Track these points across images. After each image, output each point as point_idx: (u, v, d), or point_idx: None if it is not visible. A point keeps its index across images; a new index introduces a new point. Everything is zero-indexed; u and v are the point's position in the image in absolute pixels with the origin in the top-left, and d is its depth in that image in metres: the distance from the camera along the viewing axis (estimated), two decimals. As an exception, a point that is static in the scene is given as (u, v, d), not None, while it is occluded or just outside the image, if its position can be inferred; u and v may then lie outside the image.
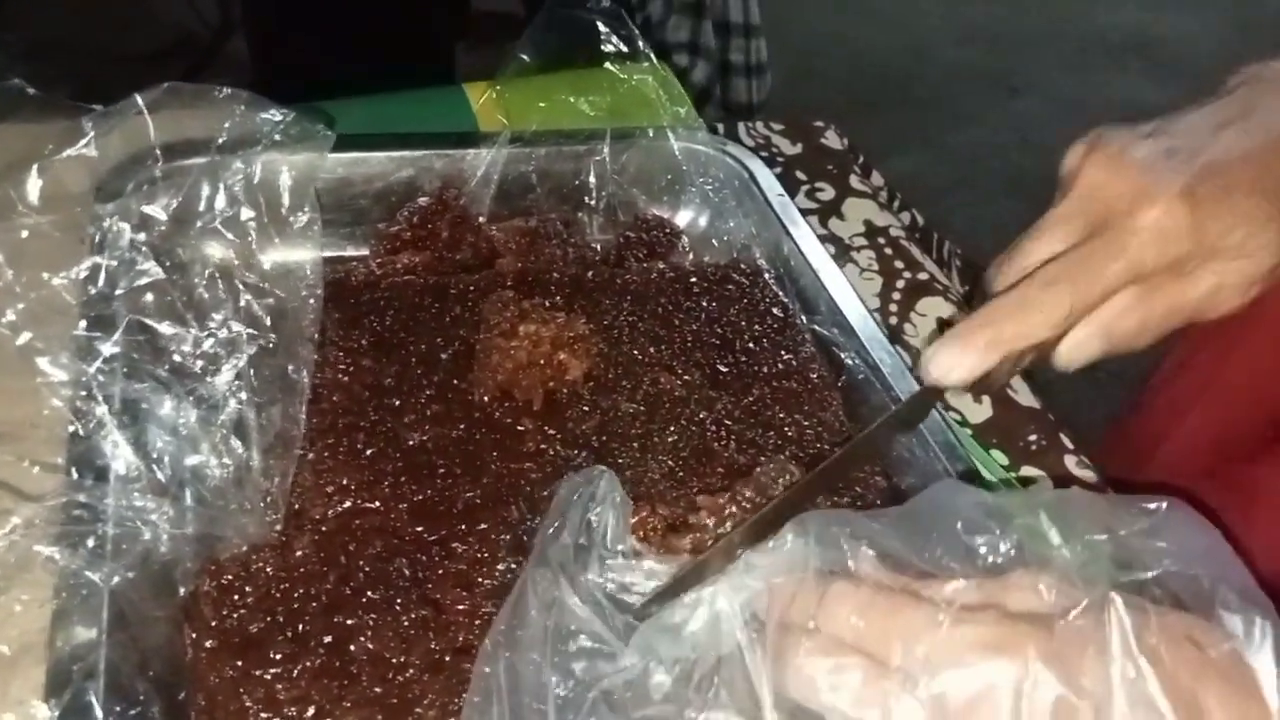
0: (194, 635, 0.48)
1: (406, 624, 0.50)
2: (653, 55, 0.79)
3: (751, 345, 0.69)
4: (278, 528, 0.52)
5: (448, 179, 0.75)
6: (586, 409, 0.62)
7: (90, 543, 0.46)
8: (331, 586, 0.51)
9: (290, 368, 0.56)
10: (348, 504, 0.55)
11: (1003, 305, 0.47)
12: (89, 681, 0.42)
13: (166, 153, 0.61)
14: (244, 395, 0.53)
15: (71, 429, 0.49)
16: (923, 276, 0.83)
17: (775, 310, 0.72)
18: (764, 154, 0.91)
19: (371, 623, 0.49)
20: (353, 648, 0.48)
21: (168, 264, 0.54)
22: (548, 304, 0.66)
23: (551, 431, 0.61)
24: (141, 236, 0.55)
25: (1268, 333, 0.66)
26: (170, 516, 0.48)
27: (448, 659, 0.49)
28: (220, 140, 0.59)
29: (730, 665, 0.40)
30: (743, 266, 0.75)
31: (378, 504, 0.55)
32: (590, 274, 0.72)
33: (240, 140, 0.59)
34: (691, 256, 0.79)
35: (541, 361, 0.62)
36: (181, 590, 0.49)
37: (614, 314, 0.69)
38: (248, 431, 0.52)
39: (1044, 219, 0.49)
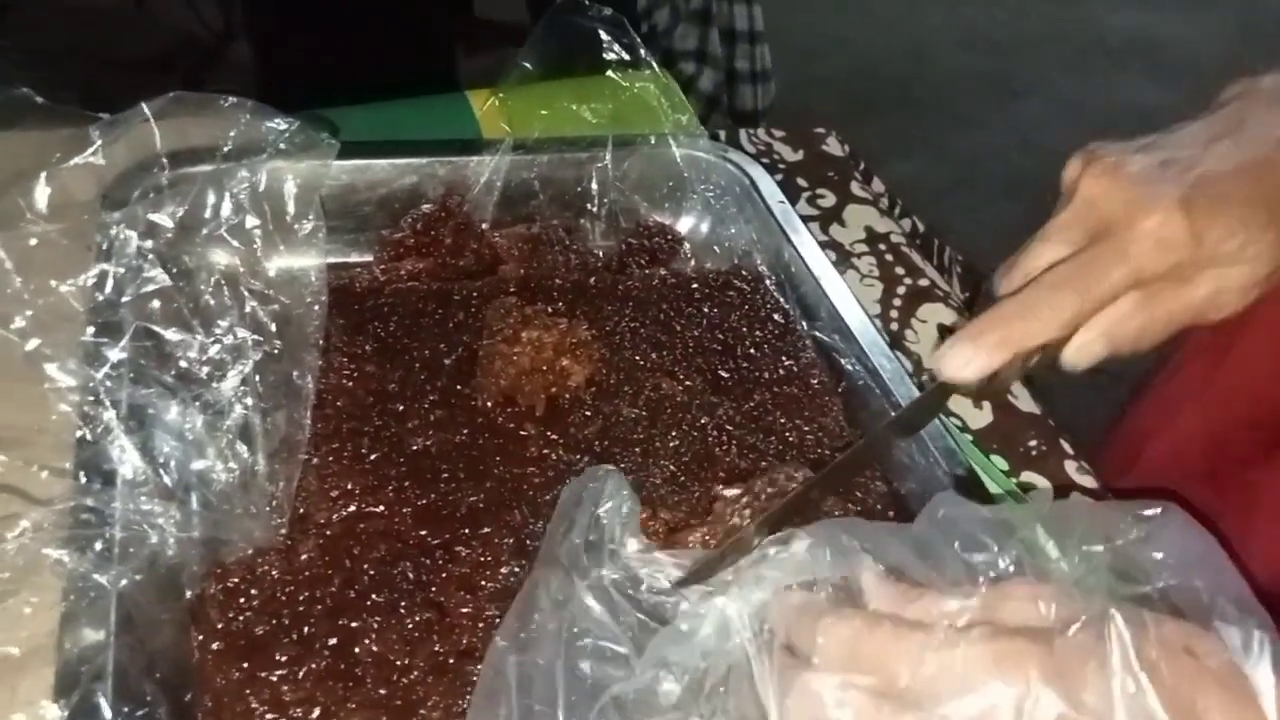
0: (200, 637, 0.48)
1: (410, 627, 0.50)
2: (654, 63, 0.80)
3: (752, 351, 0.69)
4: (283, 532, 0.53)
5: (451, 186, 0.76)
6: (588, 414, 0.63)
7: (98, 546, 0.46)
8: (336, 590, 0.51)
9: (295, 373, 0.56)
10: (352, 508, 0.55)
11: (1011, 306, 0.48)
12: (97, 683, 0.42)
13: (172, 161, 0.62)
14: (249, 401, 0.53)
15: (79, 434, 0.50)
16: (923, 283, 0.84)
17: (776, 316, 0.72)
18: (765, 161, 0.91)
19: (376, 625, 0.50)
20: (357, 650, 0.49)
21: (174, 271, 0.55)
22: (550, 310, 0.67)
23: (554, 436, 0.61)
24: (148, 244, 0.55)
25: (1264, 336, 0.66)
26: (177, 520, 0.48)
27: (451, 661, 0.49)
28: (226, 148, 0.59)
29: (738, 676, 0.40)
30: (744, 273, 0.75)
31: (382, 508, 0.55)
32: (592, 280, 0.72)
33: (245, 148, 0.59)
34: (693, 263, 0.79)
35: (544, 367, 0.63)
36: (188, 593, 0.49)
37: (616, 320, 0.69)
38: (253, 436, 0.53)
39: (1046, 227, 0.51)
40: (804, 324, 0.72)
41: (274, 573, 0.51)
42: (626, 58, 0.79)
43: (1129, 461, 0.77)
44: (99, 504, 0.47)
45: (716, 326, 0.71)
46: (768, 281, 0.75)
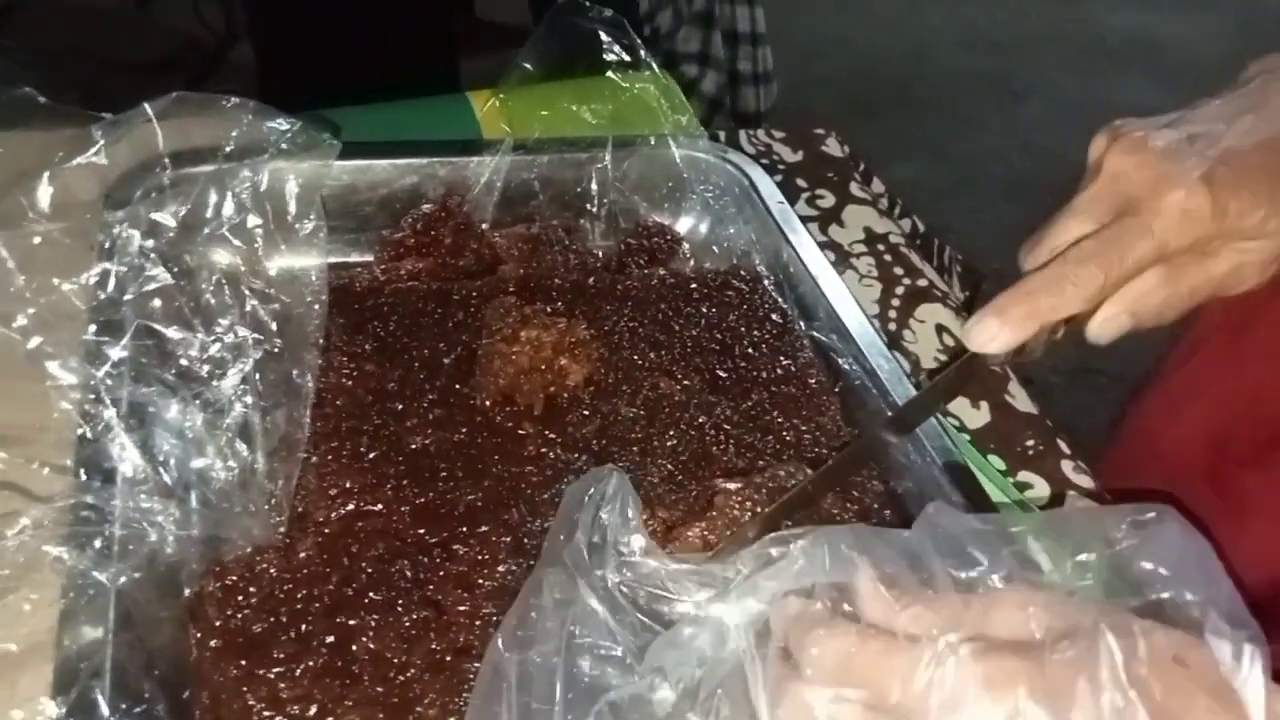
0: (199, 635, 0.49)
1: (408, 624, 0.50)
2: (654, 64, 0.80)
3: (750, 351, 0.70)
4: (282, 530, 0.53)
5: (451, 186, 0.76)
6: (587, 413, 0.63)
7: (97, 544, 0.46)
8: (334, 588, 0.51)
9: (295, 372, 0.57)
10: (350, 506, 0.55)
11: (1038, 280, 0.49)
12: (95, 680, 0.43)
13: (175, 161, 0.62)
14: (249, 399, 0.53)
15: (80, 432, 0.50)
16: (922, 283, 0.84)
17: (774, 316, 0.72)
18: (765, 161, 0.92)
19: (373, 623, 0.50)
20: (355, 648, 0.49)
21: (175, 270, 0.55)
22: (549, 310, 0.67)
23: (552, 435, 0.61)
24: (150, 243, 0.56)
25: (1269, 334, 0.66)
26: (176, 518, 0.49)
27: (449, 659, 0.49)
28: (228, 148, 0.60)
29: (733, 685, 0.40)
30: (742, 273, 0.76)
31: (380, 507, 0.56)
32: (591, 280, 0.73)
33: (247, 148, 0.60)
34: (692, 263, 0.79)
35: (543, 366, 0.63)
36: (187, 591, 0.50)
37: (615, 319, 0.70)
38: (253, 435, 0.53)
39: (1072, 202, 0.52)
40: (802, 324, 0.72)
41: (272, 571, 0.51)
42: (626, 59, 0.80)
43: (1130, 461, 0.77)
44: (99, 501, 0.48)
45: (715, 326, 0.71)
46: (766, 281, 0.75)
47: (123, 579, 0.46)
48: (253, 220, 0.58)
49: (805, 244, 0.76)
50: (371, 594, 0.51)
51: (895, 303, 0.82)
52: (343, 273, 0.70)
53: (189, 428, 0.51)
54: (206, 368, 0.53)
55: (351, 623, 0.50)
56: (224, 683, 0.47)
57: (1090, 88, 2.99)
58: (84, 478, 0.49)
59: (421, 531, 0.55)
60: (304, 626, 0.50)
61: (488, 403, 0.62)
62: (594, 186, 0.79)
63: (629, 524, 0.47)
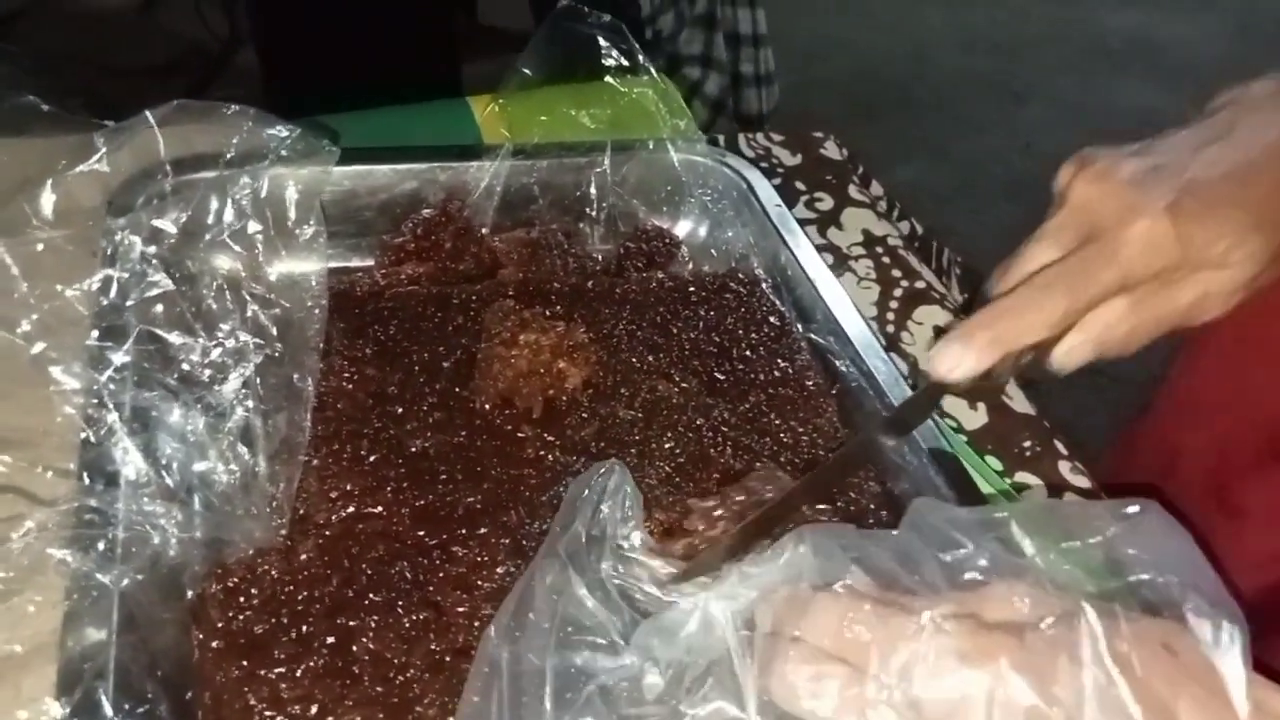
0: (201, 636, 0.49)
1: (408, 625, 0.51)
2: (652, 69, 0.80)
3: (748, 353, 0.70)
4: (283, 532, 0.53)
5: (451, 191, 0.76)
6: (585, 416, 0.64)
7: (101, 546, 0.47)
8: (335, 589, 0.52)
9: (296, 376, 0.57)
10: (351, 509, 0.56)
11: (1002, 306, 0.49)
12: (99, 681, 0.43)
13: (176, 167, 0.63)
14: (251, 403, 0.54)
15: (83, 436, 0.51)
16: (920, 285, 0.85)
17: (772, 319, 0.73)
18: (764, 165, 0.92)
19: (374, 624, 0.51)
20: (355, 648, 0.50)
21: (177, 276, 0.56)
22: (548, 313, 0.68)
23: (551, 438, 0.62)
24: (152, 249, 0.56)
25: (1269, 346, 0.67)
26: (179, 521, 0.49)
27: (448, 659, 0.50)
28: (228, 155, 0.60)
29: (720, 669, 0.41)
30: (740, 276, 0.76)
31: (380, 509, 0.56)
32: (590, 284, 0.73)
33: (248, 155, 0.60)
34: (690, 266, 0.80)
35: (541, 370, 0.63)
36: (189, 593, 0.50)
37: (613, 323, 0.70)
38: (254, 438, 0.54)
39: (1039, 230, 0.52)
40: (799, 326, 0.73)
41: (274, 572, 0.52)
42: (625, 64, 0.80)
43: (1130, 468, 0.78)
44: (102, 505, 0.48)
45: (713, 329, 0.71)
46: (764, 284, 0.76)
47: (126, 581, 0.47)
48: (253, 226, 0.59)
49: (803, 247, 0.76)
50: (372, 595, 0.52)
51: (893, 305, 0.83)
52: (343, 277, 0.71)
53: (191, 431, 0.52)
54: (208, 372, 0.54)
55: (352, 624, 0.51)
56: (226, 683, 0.48)
57: (1091, 89, 2.99)
58: (87, 481, 0.50)
59: (421, 533, 0.55)
60: (305, 627, 0.50)
61: (487, 406, 0.63)
62: (593, 191, 0.79)
63: (629, 519, 0.47)
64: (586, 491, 0.48)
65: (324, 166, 0.64)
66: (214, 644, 0.49)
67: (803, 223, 0.82)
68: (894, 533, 0.42)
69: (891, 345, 0.78)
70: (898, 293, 0.84)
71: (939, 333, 0.81)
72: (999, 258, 0.53)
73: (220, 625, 0.50)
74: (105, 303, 0.54)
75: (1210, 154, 0.50)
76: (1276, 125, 0.51)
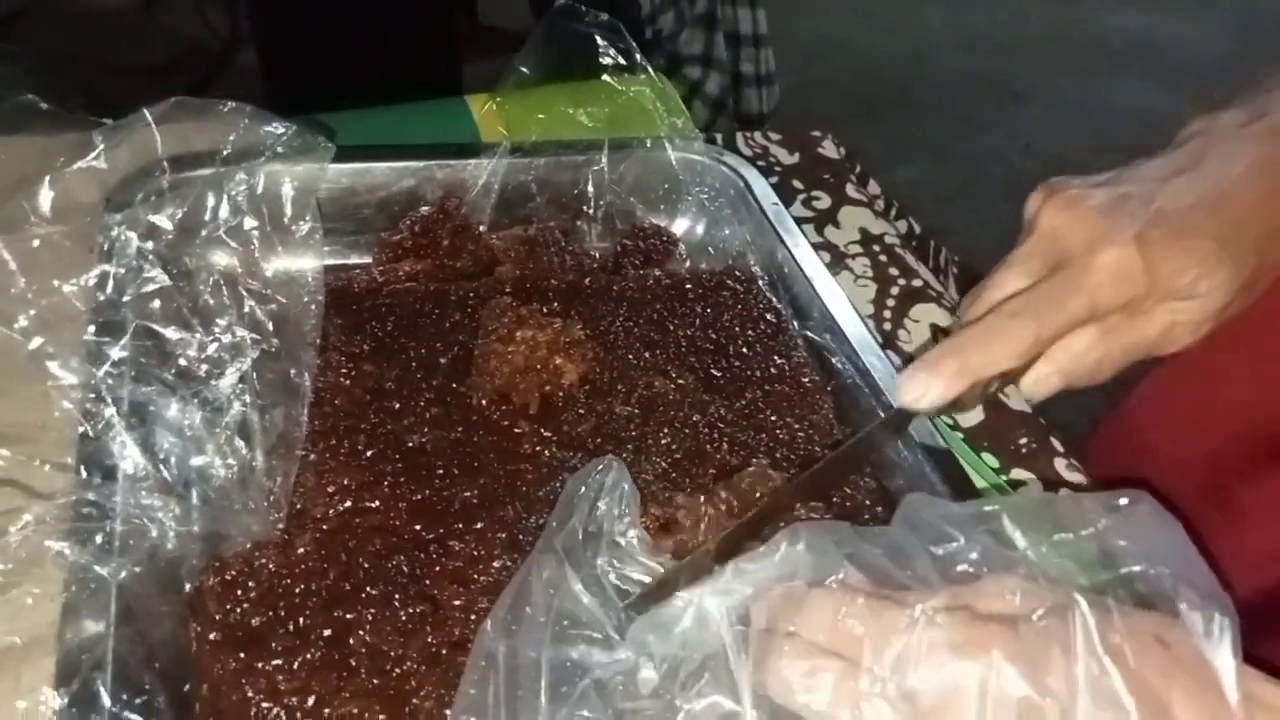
0: (199, 629, 0.50)
1: (404, 619, 0.51)
2: (650, 67, 0.81)
3: (745, 350, 0.70)
4: (280, 526, 0.54)
5: (449, 188, 0.77)
6: (582, 412, 0.64)
7: (99, 539, 0.47)
8: (332, 583, 0.52)
9: (293, 372, 0.57)
10: (348, 503, 0.56)
11: (970, 335, 0.49)
12: (97, 672, 0.44)
13: (173, 164, 0.63)
14: (248, 398, 0.54)
15: (81, 430, 0.51)
16: (917, 283, 0.85)
17: (768, 316, 0.73)
18: (761, 163, 0.92)
19: (370, 617, 0.51)
20: (352, 641, 0.50)
21: (174, 271, 0.56)
22: (545, 310, 0.68)
23: (547, 434, 0.62)
24: (149, 245, 0.57)
25: (1257, 346, 0.67)
26: (176, 515, 0.50)
27: (444, 652, 0.50)
28: (225, 152, 0.61)
29: (715, 664, 0.41)
30: (737, 274, 0.76)
31: (377, 503, 0.57)
32: (587, 281, 0.73)
33: (244, 152, 0.61)
34: (688, 264, 0.80)
35: (538, 366, 0.64)
36: (187, 586, 0.51)
37: (610, 320, 0.70)
38: (251, 433, 0.54)
39: (1008, 258, 0.52)
40: (796, 324, 0.73)
41: (271, 566, 0.52)
42: (623, 62, 0.81)
43: (1123, 470, 0.78)
44: (100, 498, 0.49)
45: (709, 326, 0.72)
46: (761, 282, 0.76)
47: (124, 574, 0.47)
48: (249, 222, 0.59)
49: (800, 245, 0.76)
50: (368, 589, 0.52)
51: (890, 303, 0.83)
52: (341, 274, 0.71)
53: (188, 426, 0.52)
54: (205, 367, 0.54)
55: (349, 617, 0.51)
56: (223, 675, 0.48)
57: (1091, 89, 2.99)
58: (85, 475, 0.50)
59: (418, 528, 0.56)
60: (302, 620, 0.50)
61: (484, 401, 0.63)
62: (590, 189, 0.79)
63: (625, 515, 0.47)
64: (584, 488, 0.48)
65: (319, 163, 0.64)
66: (211, 636, 0.49)
67: (800, 221, 0.82)
68: (887, 528, 0.43)
69: (888, 343, 0.78)
70: (894, 291, 0.84)
71: (936, 330, 0.81)
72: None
73: (218, 618, 0.50)
74: (103, 298, 0.54)
75: (1179, 184, 0.51)
76: (1244, 156, 0.51)
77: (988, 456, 0.71)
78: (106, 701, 0.43)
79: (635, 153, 0.80)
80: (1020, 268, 0.51)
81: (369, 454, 0.59)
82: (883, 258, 0.87)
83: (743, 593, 0.43)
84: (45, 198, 0.55)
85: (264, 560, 0.52)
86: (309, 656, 0.49)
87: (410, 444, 0.60)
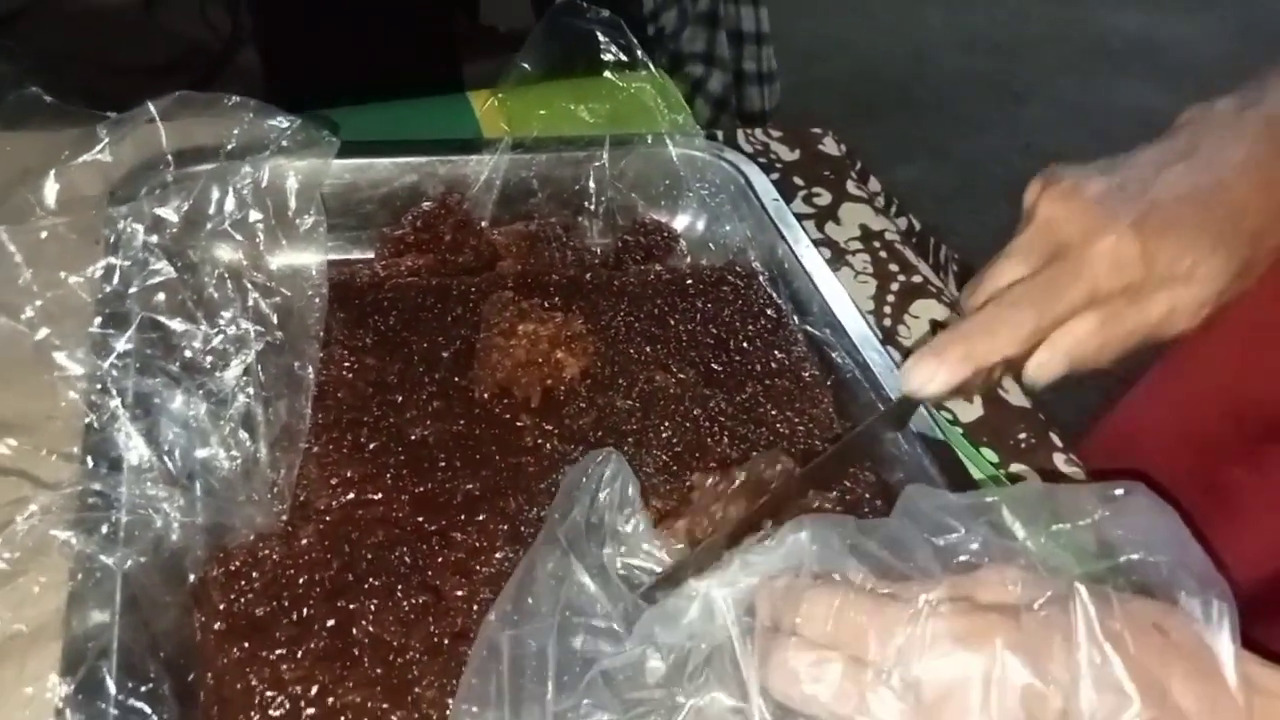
0: (203, 619, 0.50)
1: (407, 609, 0.51)
2: (650, 64, 0.81)
3: (745, 345, 0.71)
4: (284, 518, 0.54)
5: (451, 184, 0.77)
6: (583, 405, 0.64)
7: (104, 529, 0.48)
8: (335, 573, 0.53)
9: (296, 364, 0.58)
10: (351, 495, 0.57)
11: (973, 323, 0.50)
12: (102, 660, 0.44)
13: (178, 158, 0.63)
14: (252, 390, 0.55)
15: (87, 421, 0.52)
16: (917, 279, 0.85)
17: (769, 311, 0.73)
18: (762, 160, 0.93)
19: (373, 608, 0.51)
20: (355, 631, 0.50)
21: (179, 264, 0.56)
22: (546, 305, 0.68)
23: (549, 427, 0.62)
24: (154, 238, 0.57)
25: (1239, 333, 0.67)
26: (181, 506, 0.50)
27: (446, 642, 0.50)
28: (229, 146, 0.61)
29: (721, 656, 0.41)
30: (738, 269, 0.77)
31: (380, 495, 0.57)
32: (588, 276, 0.74)
33: (248, 146, 0.61)
34: (688, 259, 0.80)
35: (540, 360, 0.64)
36: (191, 576, 0.51)
37: (611, 314, 0.71)
38: (255, 425, 0.54)
39: (1008, 247, 0.53)
40: (796, 319, 0.73)
41: (275, 557, 0.53)
42: (624, 59, 0.81)
43: (1120, 458, 0.78)
44: (106, 488, 0.49)
45: (710, 321, 0.72)
46: (761, 277, 0.76)
47: (129, 563, 0.47)
48: (254, 216, 0.60)
49: (800, 241, 0.77)
50: (371, 579, 0.53)
51: (890, 299, 0.83)
52: (344, 268, 0.72)
53: (193, 418, 0.52)
54: (209, 359, 0.54)
55: (352, 607, 0.51)
56: (228, 664, 0.48)
57: (1091, 89, 2.99)
58: (91, 465, 0.50)
59: (420, 519, 0.56)
60: (305, 610, 0.51)
61: (485, 395, 0.64)
62: (591, 184, 0.80)
63: (628, 504, 0.48)
64: (584, 479, 0.49)
65: (323, 157, 0.64)
66: (216, 625, 0.50)
67: (800, 218, 0.82)
68: (888, 519, 0.43)
69: (888, 338, 0.79)
70: (895, 286, 0.84)
71: (935, 325, 0.81)
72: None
73: (222, 608, 0.50)
74: (108, 290, 0.55)
75: (1174, 173, 0.51)
76: (1238, 144, 0.52)
77: (987, 451, 0.72)
78: (112, 689, 0.43)
79: (636, 149, 0.80)
80: (1020, 257, 0.52)
81: (372, 446, 0.59)
82: (883, 254, 0.87)
83: (749, 584, 0.43)
84: (50, 190, 0.55)
85: (267, 551, 0.53)
86: (312, 646, 0.49)
87: (412, 437, 0.60)
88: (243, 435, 0.54)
